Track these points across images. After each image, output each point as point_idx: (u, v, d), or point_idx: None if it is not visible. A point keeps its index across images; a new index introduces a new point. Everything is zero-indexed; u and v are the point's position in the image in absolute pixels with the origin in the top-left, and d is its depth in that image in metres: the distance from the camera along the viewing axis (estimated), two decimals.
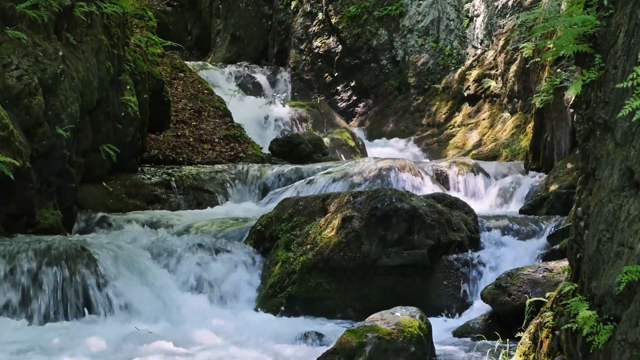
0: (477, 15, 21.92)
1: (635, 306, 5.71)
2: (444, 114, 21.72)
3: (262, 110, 21.11)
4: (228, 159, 17.47)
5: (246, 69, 23.85)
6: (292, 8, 24.46)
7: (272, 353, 9.68)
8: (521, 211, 14.34)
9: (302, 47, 24.10)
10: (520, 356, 8.05)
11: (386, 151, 20.60)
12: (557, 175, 14.74)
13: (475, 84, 21.27)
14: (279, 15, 24.80)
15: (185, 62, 21.31)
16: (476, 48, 21.89)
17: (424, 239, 11.70)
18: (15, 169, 11.34)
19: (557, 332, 7.33)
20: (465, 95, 21.34)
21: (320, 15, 23.90)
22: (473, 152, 19.82)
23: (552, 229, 12.45)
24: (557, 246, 11.60)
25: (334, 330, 10.55)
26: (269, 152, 18.31)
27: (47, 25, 12.60)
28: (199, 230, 13.13)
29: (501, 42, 21.00)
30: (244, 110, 20.51)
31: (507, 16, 21.21)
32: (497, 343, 9.12)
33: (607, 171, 6.42)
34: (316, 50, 23.86)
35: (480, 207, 14.86)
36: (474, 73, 21.40)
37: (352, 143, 20.17)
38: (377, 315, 9.40)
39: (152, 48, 17.09)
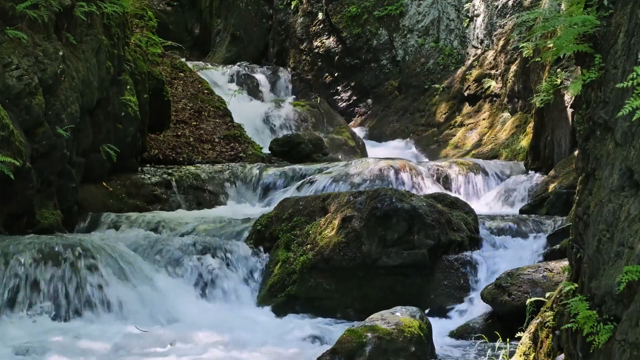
0: (477, 15, 21.91)
1: (636, 306, 5.71)
2: (444, 114, 21.71)
3: (262, 110, 21.09)
4: (228, 158, 17.46)
5: (246, 69, 23.82)
6: (292, 8, 24.45)
7: (272, 353, 9.68)
8: (521, 211, 14.34)
9: (302, 47, 24.09)
10: (521, 356, 8.05)
11: (386, 151, 20.59)
12: (557, 175, 14.74)
13: (475, 84, 21.25)
14: (279, 15, 24.79)
15: (186, 62, 21.30)
16: (476, 48, 21.88)
17: (424, 239, 11.70)
18: (16, 168, 11.34)
19: (557, 332, 7.33)
20: (465, 95, 21.32)
21: (320, 15, 23.89)
22: (473, 152, 19.80)
23: (552, 229, 12.45)
24: (557, 246, 11.60)
25: (334, 330, 10.55)
26: (269, 152, 18.30)
27: (47, 25, 12.59)
28: (199, 230, 13.14)
29: (501, 42, 20.99)
30: (244, 110, 20.49)
31: (507, 16, 21.19)
32: (497, 343, 9.12)
33: (607, 171, 6.42)
34: (316, 50, 23.85)
35: (480, 207, 14.86)
36: (474, 73, 21.38)
37: (352, 143, 20.16)
38: (377, 315, 9.40)
39: (152, 48, 17.08)
